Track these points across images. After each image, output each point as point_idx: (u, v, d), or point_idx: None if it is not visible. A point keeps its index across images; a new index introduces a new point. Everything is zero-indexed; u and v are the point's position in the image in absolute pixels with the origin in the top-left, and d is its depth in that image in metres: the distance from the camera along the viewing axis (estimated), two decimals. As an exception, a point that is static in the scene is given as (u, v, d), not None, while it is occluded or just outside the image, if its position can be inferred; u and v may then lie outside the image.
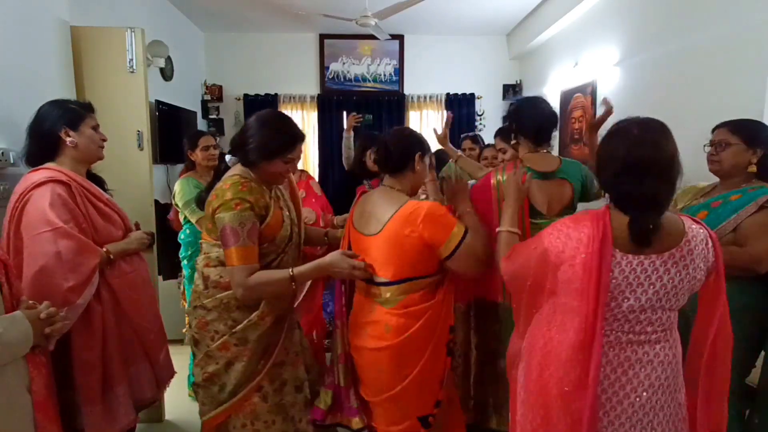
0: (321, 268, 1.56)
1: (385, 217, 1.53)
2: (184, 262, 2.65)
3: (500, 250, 1.45)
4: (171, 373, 2.00)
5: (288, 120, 1.63)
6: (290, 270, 1.52)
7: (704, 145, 1.77)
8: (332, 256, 1.56)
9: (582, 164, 1.94)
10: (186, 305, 2.59)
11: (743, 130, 1.69)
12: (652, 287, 1.12)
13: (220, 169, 1.71)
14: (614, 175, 1.14)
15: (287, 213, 1.66)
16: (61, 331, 1.29)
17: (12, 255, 1.55)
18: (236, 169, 1.58)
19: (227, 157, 1.65)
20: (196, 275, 1.65)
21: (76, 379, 1.61)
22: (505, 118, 5.49)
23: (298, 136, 1.60)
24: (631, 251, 1.12)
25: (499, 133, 2.54)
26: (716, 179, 1.83)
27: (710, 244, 1.16)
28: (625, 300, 1.13)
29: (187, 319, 1.52)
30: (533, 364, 1.24)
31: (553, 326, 1.21)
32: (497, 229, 1.53)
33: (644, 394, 1.13)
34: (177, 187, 2.56)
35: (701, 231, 1.16)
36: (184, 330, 1.52)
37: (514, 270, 1.34)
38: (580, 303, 1.13)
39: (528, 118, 1.86)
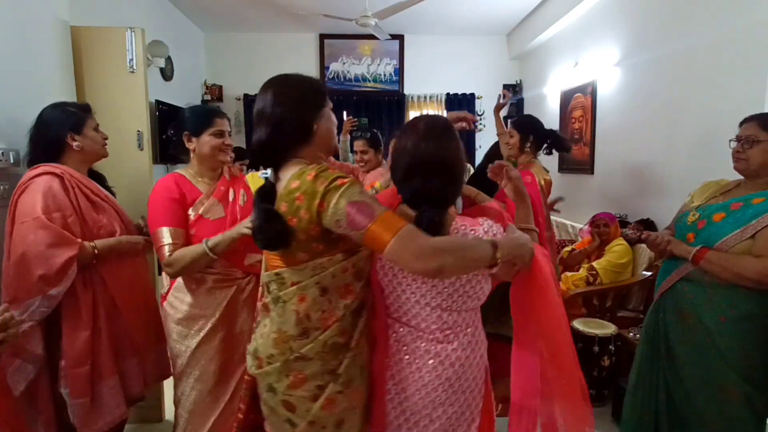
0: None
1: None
2: None
3: None
4: (162, 373, 1.98)
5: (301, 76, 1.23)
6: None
7: (730, 140, 1.63)
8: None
9: None
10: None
11: None
12: (425, 284, 1.13)
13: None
14: (405, 169, 1.14)
15: None
16: (17, 336, 1.19)
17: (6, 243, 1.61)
18: (292, 166, 1.14)
19: (263, 173, 1.20)
20: (274, 315, 1.16)
21: (65, 372, 1.61)
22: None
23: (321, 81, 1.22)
24: None
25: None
26: (708, 178, 1.77)
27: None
28: (403, 293, 1.15)
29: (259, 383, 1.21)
30: None
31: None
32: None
33: (430, 387, 1.14)
34: None
35: (474, 231, 1.12)
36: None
37: None
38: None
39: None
